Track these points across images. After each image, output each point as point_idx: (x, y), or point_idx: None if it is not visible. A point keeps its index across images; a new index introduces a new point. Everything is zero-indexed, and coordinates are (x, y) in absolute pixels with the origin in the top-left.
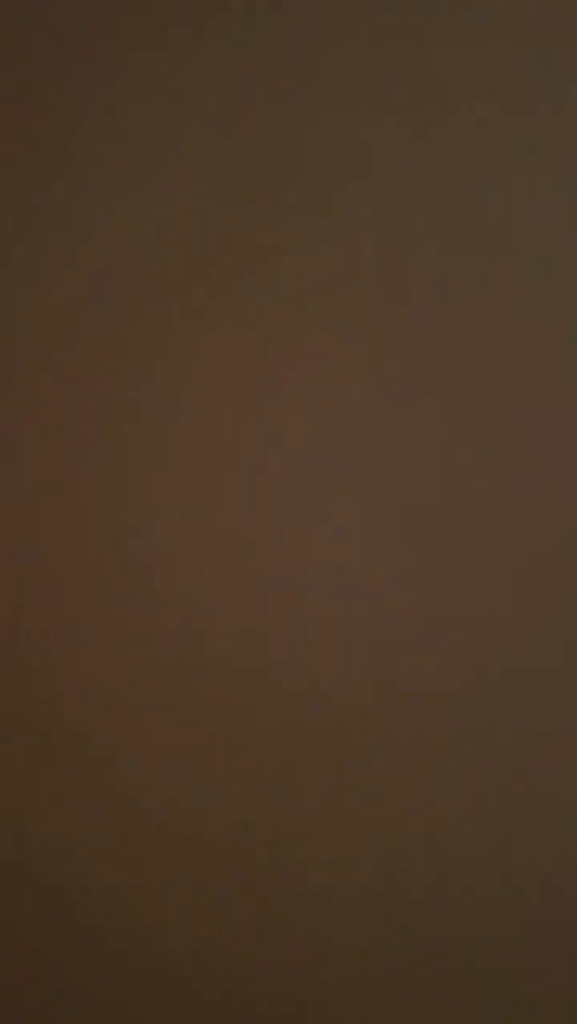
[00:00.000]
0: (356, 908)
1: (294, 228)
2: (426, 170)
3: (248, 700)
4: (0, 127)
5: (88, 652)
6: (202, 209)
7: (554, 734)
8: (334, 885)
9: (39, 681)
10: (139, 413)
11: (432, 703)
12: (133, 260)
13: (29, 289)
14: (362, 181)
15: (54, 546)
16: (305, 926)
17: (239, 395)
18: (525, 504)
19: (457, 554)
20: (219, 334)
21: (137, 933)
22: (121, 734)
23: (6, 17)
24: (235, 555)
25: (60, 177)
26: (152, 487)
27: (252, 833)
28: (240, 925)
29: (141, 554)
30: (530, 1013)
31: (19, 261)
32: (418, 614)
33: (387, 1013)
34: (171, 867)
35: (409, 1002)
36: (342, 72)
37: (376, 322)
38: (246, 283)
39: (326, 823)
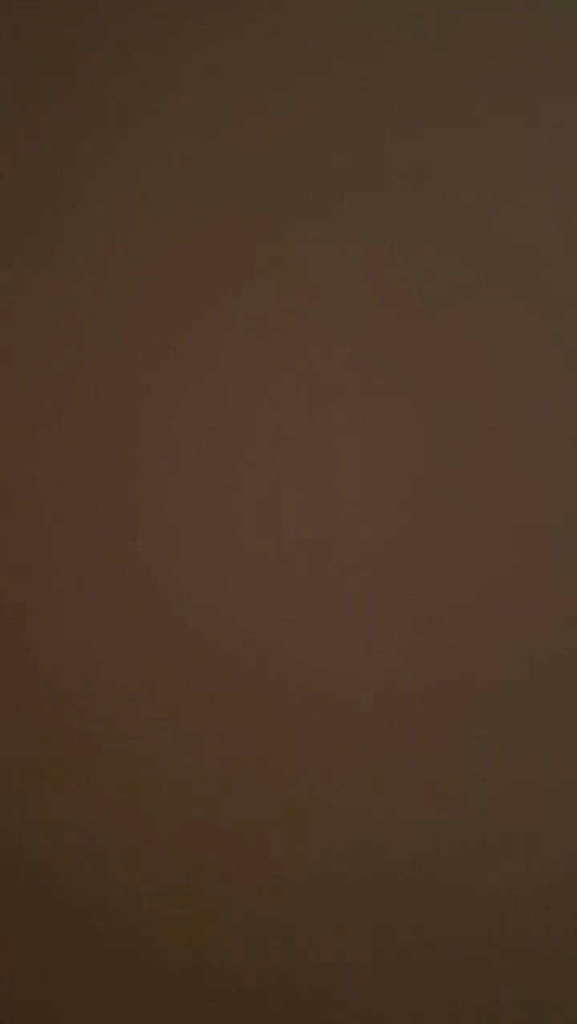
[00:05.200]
0: (358, 906)
1: (294, 229)
2: (426, 172)
3: (249, 699)
4: None
5: (89, 651)
6: (202, 211)
7: (554, 732)
8: (335, 883)
9: (41, 679)
10: (141, 414)
11: (432, 702)
12: (132, 265)
13: (29, 293)
14: (361, 183)
15: (56, 545)
16: (306, 923)
17: (239, 395)
18: (524, 504)
19: (457, 555)
20: (219, 336)
21: (136, 932)
22: (122, 732)
23: (6, 17)
24: (235, 554)
25: (59, 179)
26: (153, 486)
27: (252, 831)
28: (241, 923)
29: (142, 553)
30: (529, 1013)
31: (19, 263)
32: (419, 613)
33: (388, 1012)
34: (171, 865)
35: (410, 1001)
36: (342, 75)
37: (376, 325)
38: (245, 286)
39: (328, 821)
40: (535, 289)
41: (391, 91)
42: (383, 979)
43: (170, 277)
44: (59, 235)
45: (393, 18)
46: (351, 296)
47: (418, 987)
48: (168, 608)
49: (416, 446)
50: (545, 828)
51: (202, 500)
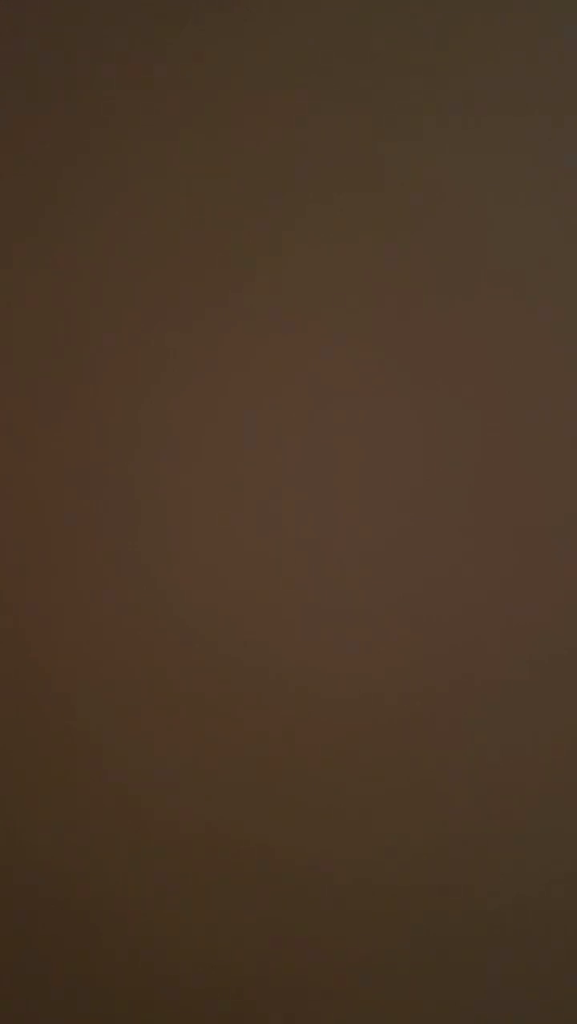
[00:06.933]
0: (357, 906)
1: (294, 229)
2: (426, 172)
3: (249, 699)
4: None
5: (89, 651)
6: (201, 211)
7: (554, 732)
8: (335, 883)
9: (41, 679)
10: (141, 414)
11: (432, 702)
12: (132, 265)
13: (29, 293)
14: (361, 183)
15: (56, 545)
16: (307, 923)
17: (239, 396)
18: (524, 504)
19: (457, 555)
20: (218, 337)
21: (136, 932)
22: (122, 732)
23: (6, 17)
24: (235, 554)
25: (59, 179)
26: (153, 486)
27: (252, 830)
28: (240, 923)
29: (142, 553)
30: (529, 1013)
31: (19, 263)
32: (419, 613)
33: (388, 1012)
34: (170, 865)
35: (410, 1001)
36: (342, 75)
37: (376, 325)
38: (245, 286)
39: (328, 821)
40: (535, 289)
41: (391, 91)
42: (383, 978)
43: (170, 277)
44: (59, 235)
45: (393, 18)
46: (351, 296)
47: (418, 986)
48: (168, 608)
49: (416, 446)
50: (545, 828)
51: (202, 500)
